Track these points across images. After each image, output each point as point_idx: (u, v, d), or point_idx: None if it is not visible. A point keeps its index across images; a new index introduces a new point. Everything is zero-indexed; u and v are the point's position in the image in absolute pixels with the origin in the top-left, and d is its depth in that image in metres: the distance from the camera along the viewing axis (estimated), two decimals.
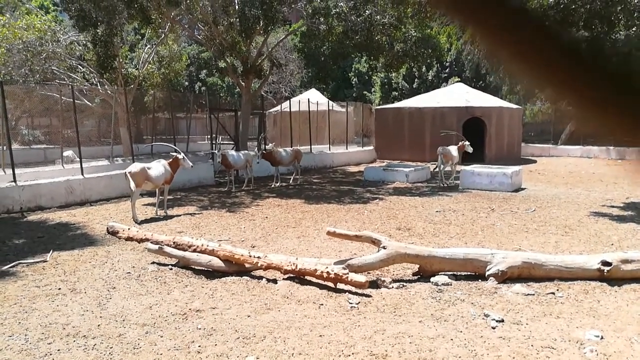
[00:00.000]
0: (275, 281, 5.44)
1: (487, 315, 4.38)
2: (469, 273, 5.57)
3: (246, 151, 14.03)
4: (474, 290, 5.14)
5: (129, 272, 5.82)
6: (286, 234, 7.97)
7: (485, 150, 20.31)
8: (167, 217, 9.38)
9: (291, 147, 16.00)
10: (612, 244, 7.05)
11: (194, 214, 9.80)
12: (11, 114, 20.03)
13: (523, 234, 7.76)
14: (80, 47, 16.53)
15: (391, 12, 13.68)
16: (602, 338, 3.89)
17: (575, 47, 0.77)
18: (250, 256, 5.58)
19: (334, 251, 6.77)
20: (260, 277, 5.60)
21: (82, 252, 6.89)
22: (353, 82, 35.57)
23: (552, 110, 26.06)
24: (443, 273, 5.53)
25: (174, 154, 9.93)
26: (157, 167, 9.42)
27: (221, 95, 32.55)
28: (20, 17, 16.70)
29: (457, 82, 26.98)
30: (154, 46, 19.38)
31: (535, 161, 21.54)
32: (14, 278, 5.71)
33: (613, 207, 10.09)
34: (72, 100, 13.04)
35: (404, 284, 5.39)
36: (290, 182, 14.29)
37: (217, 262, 5.74)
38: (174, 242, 6.06)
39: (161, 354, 3.71)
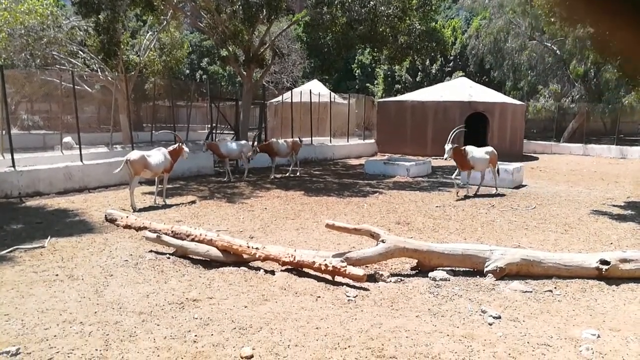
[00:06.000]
0: (273, 272, 5.44)
1: (484, 312, 4.38)
2: (467, 269, 5.57)
3: (244, 141, 13.91)
4: (472, 286, 5.14)
5: (127, 260, 5.81)
6: (285, 226, 7.96)
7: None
8: (165, 206, 9.36)
9: (292, 138, 15.92)
10: (611, 243, 7.04)
11: (193, 203, 9.78)
12: (11, 98, 19.96)
13: (522, 231, 7.75)
14: (81, 33, 16.40)
15: (396, 4, 13.53)
16: (598, 337, 3.88)
17: None
18: (248, 247, 5.56)
19: (332, 244, 6.76)
20: (258, 268, 5.59)
21: (80, 238, 6.88)
22: (356, 74, 35.43)
23: (555, 107, 25.97)
24: (441, 268, 5.53)
25: (180, 144, 9.81)
26: (157, 155, 9.38)
27: (222, 84, 32.40)
28: (21, 1, 16.55)
29: (461, 76, 26.89)
30: (155, 33, 19.25)
31: (537, 158, 21.49)
32: (11, 263, 5.71)
33: (614, 206, 10.07)
34: (72, 86, 12.97)
35: (402, 278, 5.38)
36: (289, 174, 14.24)
37: (215, 252, 5.73)
38: (172, 231, 6.04)
39: (157, 342, 3.71)
